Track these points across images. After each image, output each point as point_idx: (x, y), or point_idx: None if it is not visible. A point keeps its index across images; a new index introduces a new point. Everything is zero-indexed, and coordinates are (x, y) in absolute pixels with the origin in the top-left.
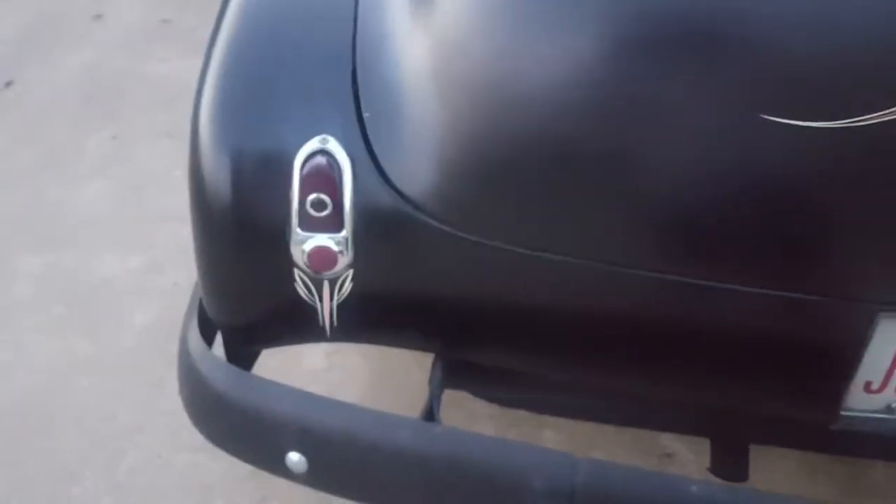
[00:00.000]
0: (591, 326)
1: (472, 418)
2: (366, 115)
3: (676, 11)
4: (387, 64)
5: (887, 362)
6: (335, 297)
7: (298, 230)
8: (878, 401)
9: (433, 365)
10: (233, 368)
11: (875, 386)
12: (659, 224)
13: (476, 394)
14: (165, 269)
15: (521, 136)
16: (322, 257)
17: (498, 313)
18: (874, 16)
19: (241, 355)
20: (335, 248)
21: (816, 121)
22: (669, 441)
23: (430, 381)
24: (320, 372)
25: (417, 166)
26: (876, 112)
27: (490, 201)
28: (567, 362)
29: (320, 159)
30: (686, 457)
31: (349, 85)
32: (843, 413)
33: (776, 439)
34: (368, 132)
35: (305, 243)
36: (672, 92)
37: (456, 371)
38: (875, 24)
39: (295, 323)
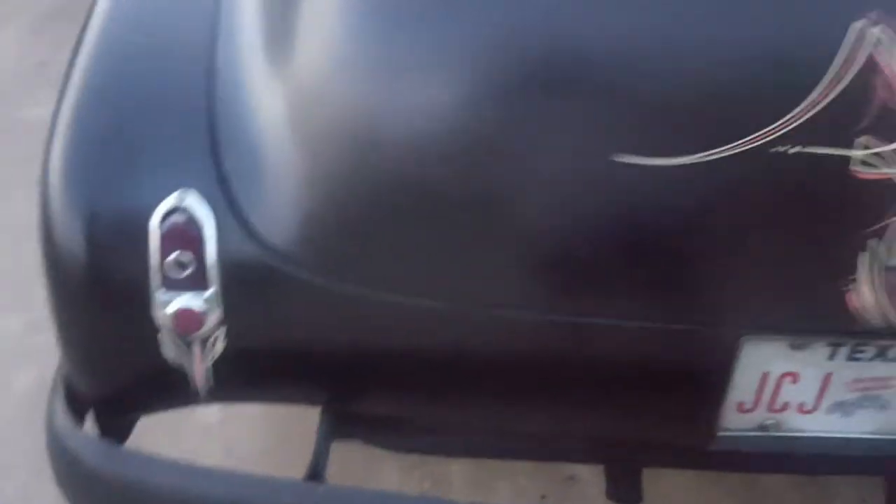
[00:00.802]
0: (473, 368)
1: (375, 459)
2: (227, 166)
3: (531, 63)
4: (246, 114)
5: (756, 383)
6: (208, 358)
7: (160, 292)
8: (751, 420)
9: (320, 417)
10: (101, 443)
11: (747, 406)
12: (529, 266)
13: (369, 442)
14: (45, 327)
15: (383, 185)
16: (187, 318)
17: (380, 362)
18: (712, 55)
19: (115, 426)
20: (201, 307)
21: (667, 158)
22: (573, 466)
23: (317, 435)
24: (215, 426)
25: (284, 218)
26: (723, 146)
27: (360, 251)
28: (455, 405)
29: (179, 216)
30: (588, 480)
31: (209, 136)
32: (720, 434)
33: (664, 462)
34: (231, 184)
35: (168, 305)
36: (528, 139)
37: (345, 422)
38: (714, 63)
39: (167, 388)
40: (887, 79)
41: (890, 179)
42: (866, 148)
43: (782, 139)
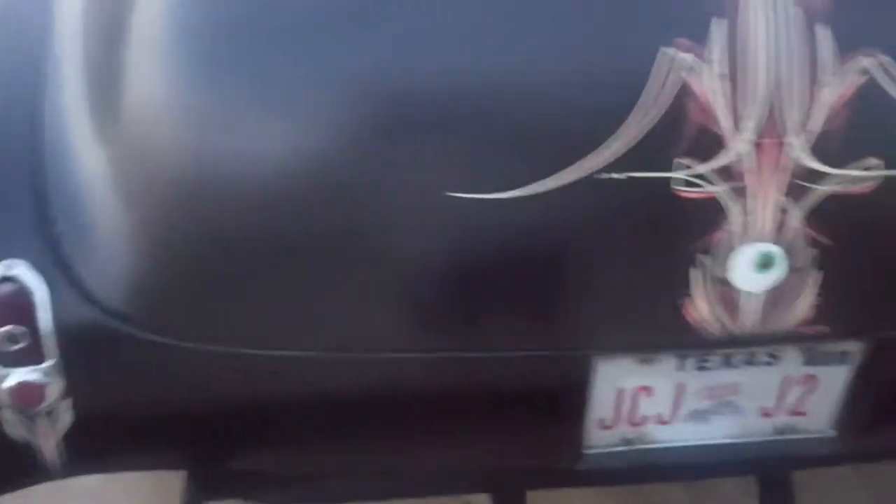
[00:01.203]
0: (341, 415)
1: None
2: (58, 229)
3: (362, 105)
4: (76, 172)
5: (613, 399)
6: (55, 431)
7: None
8: (614, 435)
9: (186, 479)
10: None
11: (608, 422)
12: (379, 306)
13: (248, 499)
14: None
15: (216, 237)
16: (26, 393)
17: (241, 418)
18: (528, 89)
19: None
20: (40, 380)
21: (499, 192)
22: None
23: (182, 498)
24: (97, 487)
25: (122, 279)
26: (549, 177)
27: (200, 306)
28: (326, 454)
29: (6, 287)
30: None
31: (36, 199)
32: (586, 452)
33: (542, 483)
34: (63, 248)
35: (4, 381)
36: (363, 181)
37: (215, 481)
38: (531, 96)
39: (17, 466)
40: (699, 101)
41: (711, 196)
42: (687, 168)
43: (606, 166)
